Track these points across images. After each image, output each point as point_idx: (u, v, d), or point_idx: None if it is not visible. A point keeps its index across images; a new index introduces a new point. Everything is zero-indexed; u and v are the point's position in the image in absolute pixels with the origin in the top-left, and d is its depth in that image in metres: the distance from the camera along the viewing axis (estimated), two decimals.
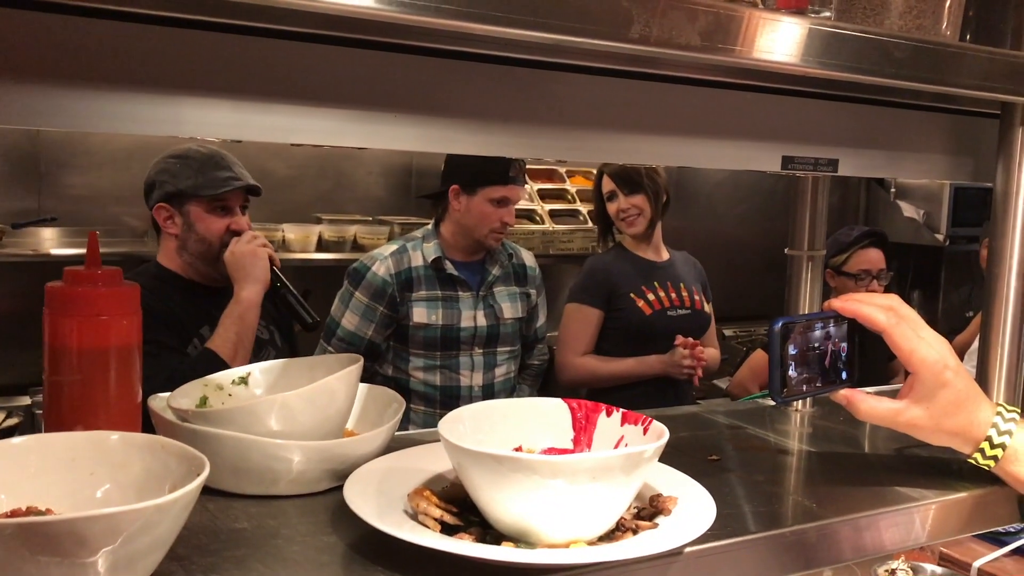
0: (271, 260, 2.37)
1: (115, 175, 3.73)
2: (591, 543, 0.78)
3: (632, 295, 3.09)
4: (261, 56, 0.75)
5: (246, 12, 0.71)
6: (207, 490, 0.72)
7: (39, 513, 0.73)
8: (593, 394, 3.08)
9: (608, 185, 3.14)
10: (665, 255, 3.23)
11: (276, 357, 2.44)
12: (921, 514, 0.99)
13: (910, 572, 2.02)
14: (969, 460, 0.98)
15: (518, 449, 0.90)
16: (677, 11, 0.76)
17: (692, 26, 0.77)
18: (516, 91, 0.89)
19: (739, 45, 0.81)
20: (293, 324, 2.65)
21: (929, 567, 2.07)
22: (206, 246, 2.39)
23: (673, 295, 3.14)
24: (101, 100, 0.69)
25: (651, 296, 3.10)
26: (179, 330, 2.31)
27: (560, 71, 0.90)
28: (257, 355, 2.42)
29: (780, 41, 0.83)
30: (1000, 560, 2.09)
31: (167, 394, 0.96)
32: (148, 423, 0.91)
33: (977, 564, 2.08)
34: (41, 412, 3.14)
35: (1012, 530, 2.03)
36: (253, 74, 0.74)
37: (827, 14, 0.94)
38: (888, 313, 0.97)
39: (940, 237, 5.28)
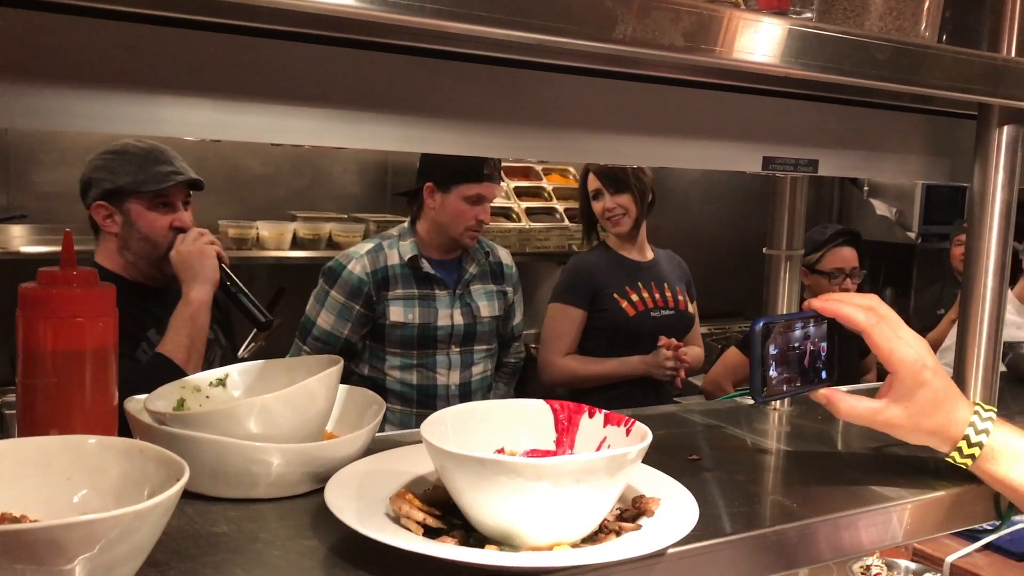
0: (219, 258, 2.28)
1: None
2: (574, 545, 0.78)
3: (616, 296, 3.08)
4: (242, 55, 0.74)
5: (227, 10, 0.71)
6: (185, 494, 0.71)
7: (14, 520, 0.71)
8: (575, 394, 3.07)
9: (594, 183, 3.14)
10: (649, 254, 3.23)
11: (223, 357, 2.41)
12: (899, 513, 1.00)
13: (885, 568, 2.04)
14: (947, 459, 0.99)
15: (500, 451, 0.90)
16: (660, 11, 0.76)
17: (675, 27, 0.77)
18: (498, 91, 0.89)
19: (721, 46, 0.81)
20: (234, 323, 2.57)
21: (903, 563, 2.10)
22: (150, 245, 2.29)
23: (657, 296, 3.13)
24: (78, 99, 0.67)
25: (635, 297, 3.09)
26: (125, 335, 2.21)
27: (543, 71, 0.90)
28: (205, 356, 2.33)
29: (762, 42, 0.83)
30: (972, 555, 2.12)
31: (144, 396, 0.95)
32: (125, 426, 0.90)
33: (950, 559, 2.10)
34: (12, 412, 3.09)
35: (986, 527, 2.05)
36: (234, 73, 0.74)
37: (808, 15, 0.94)
38: (868, 313, 0.97)
39: (912, 235, 5.34)
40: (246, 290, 2.32)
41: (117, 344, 0.88)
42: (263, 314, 2.31)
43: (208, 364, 2.24)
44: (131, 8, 0.68)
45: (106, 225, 2.30)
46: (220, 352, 2.42)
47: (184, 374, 2.04)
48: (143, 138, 2.31)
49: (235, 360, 2.39)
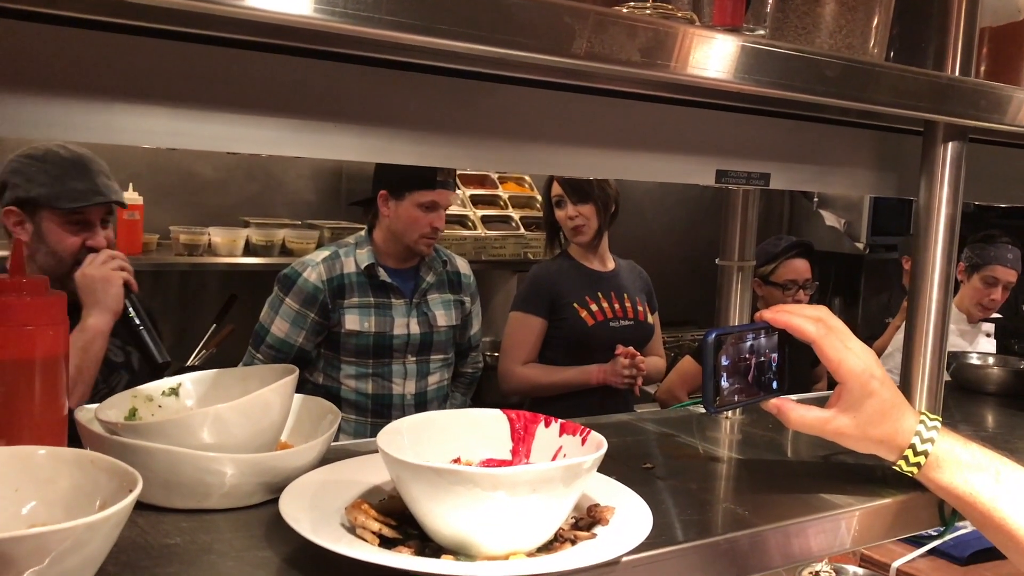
0: (127, 285, 2.11)
1: None
2: (530, 554, 0.78)
3: (575, 305, 3.09)
4: (199, 63, 0.73)
5: (182, 18, 0.70)
6: (137, 504, 0.70)
7: None
8: (535, 403, 3.08)
9: (557, 191, 3.14)
10: (611, 264, 3.24)
11: (131, 381, 2.20)
12: (847, 520, 1.02)
13: (833, 573, 2.07)
14: (893, 467, 1.01)
15: (456, 461, 0.90)
16: (617, 27, 0.77)
17: (632, 42, 0.78)
18: (456, 102, 0.89)
19: (676, 61, 0.82)
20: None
21: (851, 568, 2.13)
22: (56, 260, 2.12)
23: (616, 306, 3.15)
24: (30, 105, 0.66)
25: (594, 307, 3.10)
26: None
27: (500, 83, 0.91)
28: (107, 379, 2.20)
29: (716, 58, 0.85)
30: (916, 561, 2.16)
31: (95, 406, 0.93)
32: (75, 436, 0.89)
33: (896, 564, 2.14)
34: None
35: (932, 533, 2.09)
36: (190, 81, 0.73)
37: (761, 32, 0.96)
38: (818, 324, 0.99)
39: (860, 245, 5.44)
40: (150, 325, 2.15)
41: (68, 353, 0.87)
42: (160, 354, 2.13)
43: (110, 391, 2.05)
44: (86, 15, 0.68)
45: (15, 232, 2.14)
46: (128, 377, 2.25)
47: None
48: (68, 144, 2.16)
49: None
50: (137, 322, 2.12)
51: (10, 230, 2.16)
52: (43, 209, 2.11)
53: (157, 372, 2.13)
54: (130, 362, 2.30)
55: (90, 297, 2.07)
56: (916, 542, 2.19)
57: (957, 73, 1.09)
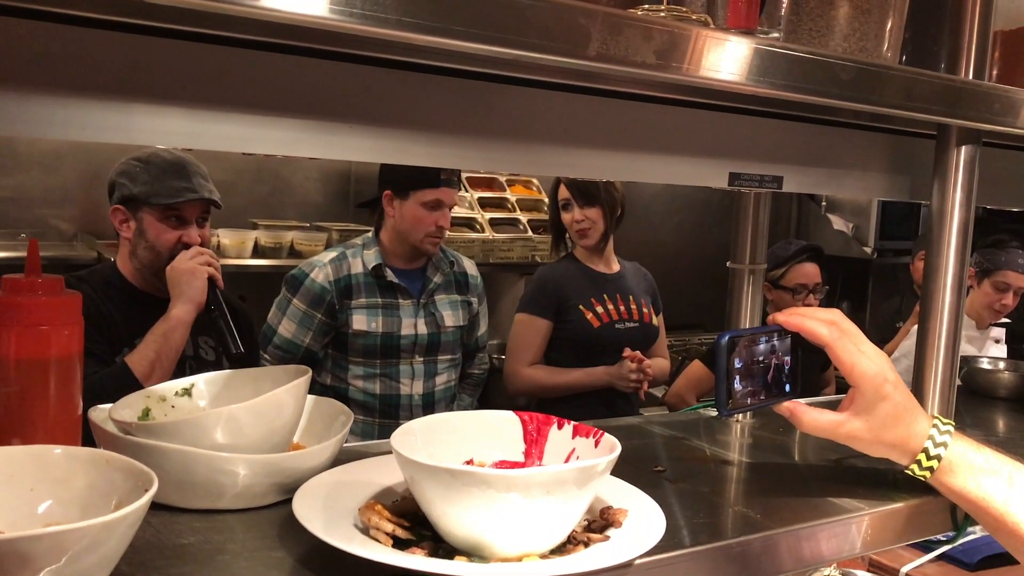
0: (213, 280, 2.30)
1: (43, 177, 3.63)
2: (543, 556, 0.78)
3: (581, 307, 3.09)
4: (215, 64, 0.74)
5: (198, 19, 0.70)
6: (150, 504, 0.70)
7: None
8: (540, 404, 3.08)
9: (564, 194, 3.14)
10: (616, 267, 3.24)
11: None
12: (859, 524, 1.02)
13: None
14: (906, 471, 1.01)
15: (469, 462, 0.90)
16: (632, 29, 0.77)
17: (647, 44, 0.78)
18: (469, 104, 0.89)
19: (690, 63, 0.82)
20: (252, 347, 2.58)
21: (860, 573, 2.12)
22: (154, 255, 2.33)
23: (622, 308, 3.16)
24: (50, 106, 0.67)
25: (600, 309, 3.11)
26: (112, 336, 2.26)
27: (513, 85, 0.91)
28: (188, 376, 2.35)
29: (730, 60, 0.85)
30: (926, 566, 2.15)
31: (108, 406, 0.93)
32: (88, 436, 0.89)
33: (904, 569, 2.13)
34: None
35: (941, 537, 2.09)
36: (207, 82, 0.73)
37: (775, 35, 0.96)
38: (831, 328, 0.99)
39: (868, 250, 5.43)
40: (228, 319, 2.31)
41: (83, 353, 0.87)
42: (235, 344, 2.29)
43: None
44: (102, 16, 0.68)
45: (121, 229, 2.36)
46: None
47: (142, 388, 2.05)
48: (174, 149, 2.33)
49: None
50: (217, 314, 2.30)
51: (117, 228, 2.37)
52: (144, 206, 2.31)
53: (233, 362, 2.33)
54: (220, 364, 2.43)
55: (176, 289, 2.26)
56: (925, 547, 2.18)
57: (971, 76, 1.09)
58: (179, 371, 2.29)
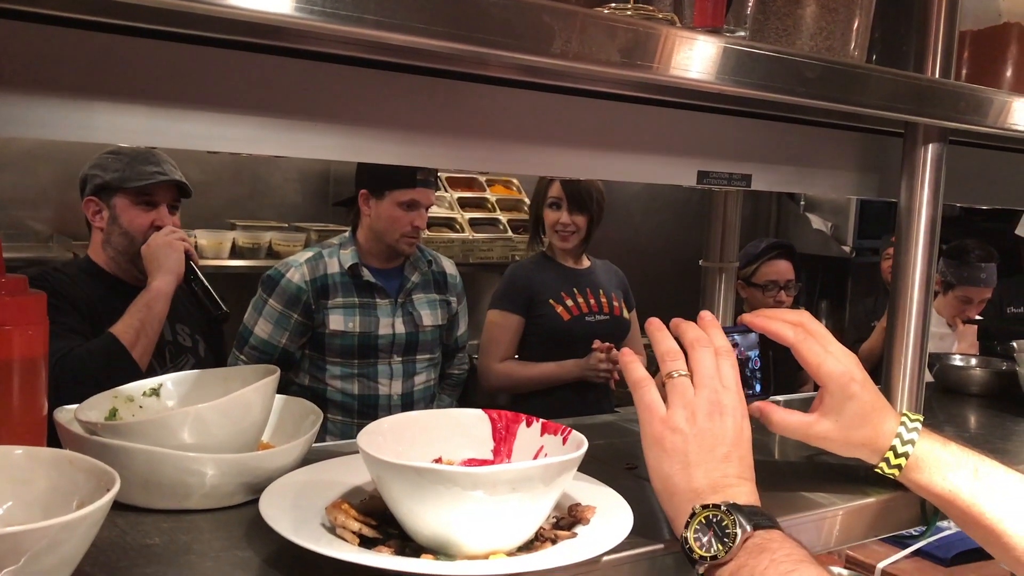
0: (188, 255, 2.36)
1: (16, 178, 3.59)
2: (510, 554, 0.78)
3: (551, 301, 3.13)
4: (178, 61, 0.73)
5: (161, 16, 0.70)
6: (116, 505, 0.70)
7: None
8: (514, 398, 3.12)
9: (557, 192, 3.16)
10: (586, 263, 3.28)
11: (195, 366, 2.43)
12: (830, 519, 1.03)
13: None
14: (875, 470, 1.01)
15: (438, 460, 0.90)
16: (597, 27, 0.77)
17: (612, 42, 0.78)
18: (439, 102, 0.89)
19: (657, 62, 0.82)
20: (223, 338, 2.64)
21: (837, 570, 2.14)
22: (128, 240, 2.38)
23: (592, 301, 3.19)
24: (8, 104, 0.66)
25: (569, 302, 3.15)
26: (92, 320, 2.28)
27: (483, 83, 0.91)
28: (175, 360, 2.41)
29: (696, 59, 0.85)
30: (901, 561, 2.17)
31: (74, 407, 0.93)
32: (54, 437, 0.88)
33: (881, 565, 2.15)
34: None
35: (915, 532, 2.10)
36: (169, 80, 0.73)
37: (741, 33, 0.97)
38: (796, 329, 0.99)
39: (847, 249, 5.46)
40: (207, 285, 2.39)
41: (47, 353, 0.87)
42: (216, 306, 2.38)
43: (176, 370, 2.29)
44: (63, 13, 0.67)
45: (94, 220, 2.41)
46: (194, 361, 2.46)
47: (129, 356, 2.17)
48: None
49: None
50: (196, 283, 2.38)
51: (90, 219, 2.43)
52: (116, 192, 2.38)
53: (216, 324, 2.49)
54: (197, 350, 2.50)
55: (154, 263, 2.31)
56: (901, 543, 2.19)
57: (937, 75, 1.10)
58: (158, 356, 2.34)
